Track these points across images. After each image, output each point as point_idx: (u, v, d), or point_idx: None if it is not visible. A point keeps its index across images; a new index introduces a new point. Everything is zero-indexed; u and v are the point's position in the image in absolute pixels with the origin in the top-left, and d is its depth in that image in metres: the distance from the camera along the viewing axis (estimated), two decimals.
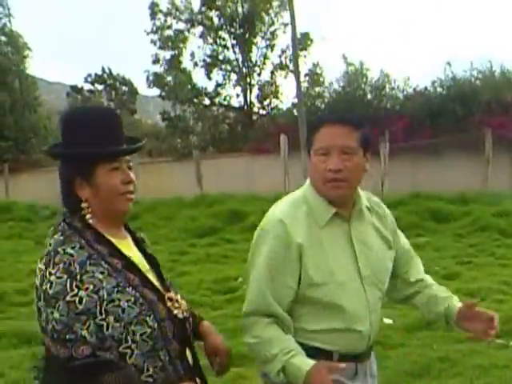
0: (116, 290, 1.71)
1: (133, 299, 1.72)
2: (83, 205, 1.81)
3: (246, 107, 24.88)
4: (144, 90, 29.53)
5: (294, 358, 1.98)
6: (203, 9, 24.76)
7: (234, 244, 11.48)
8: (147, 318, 1.73)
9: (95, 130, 1.79)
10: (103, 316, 1.67)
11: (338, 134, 2.02)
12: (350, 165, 2.03)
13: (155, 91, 25.25)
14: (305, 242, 2.04)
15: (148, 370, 1.73)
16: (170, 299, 1.85)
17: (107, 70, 35.32)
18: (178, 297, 1.89)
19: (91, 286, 1.68)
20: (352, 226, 2.13)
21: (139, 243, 1.97)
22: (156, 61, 25.18)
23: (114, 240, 1.83)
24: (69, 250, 1.71)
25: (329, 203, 2.09)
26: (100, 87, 35.67)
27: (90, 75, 35.73)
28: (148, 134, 27.00)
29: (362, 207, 2.16)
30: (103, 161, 1.80)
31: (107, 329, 1.67)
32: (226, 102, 25.30)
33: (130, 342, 1.70)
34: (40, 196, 17.91)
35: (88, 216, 1.81)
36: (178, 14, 24.98)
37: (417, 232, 11.09)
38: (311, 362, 1.95)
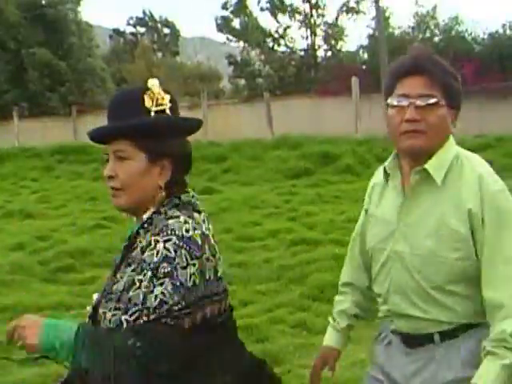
0: None
1: None
2: None
3: (310, 50, 25.06)
4: (185, 32, 30.31)
5: None
6: None
7: (335, 185, 11.21)
8: None
9: None
10: None
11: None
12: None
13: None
14: None
15: None
16: None
17: (148, 13, 35.55)
18: None
19: None
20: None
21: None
22: (224, 6, 25.63)
23: None
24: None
25: None
26: (142, 30, 35.92)
27: (131, 18, 36.17)
28: (191, 75, 27.40)
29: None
30: None
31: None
32: (291, 45, 25.55)
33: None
34: None
35: None
36: None
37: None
38: None
